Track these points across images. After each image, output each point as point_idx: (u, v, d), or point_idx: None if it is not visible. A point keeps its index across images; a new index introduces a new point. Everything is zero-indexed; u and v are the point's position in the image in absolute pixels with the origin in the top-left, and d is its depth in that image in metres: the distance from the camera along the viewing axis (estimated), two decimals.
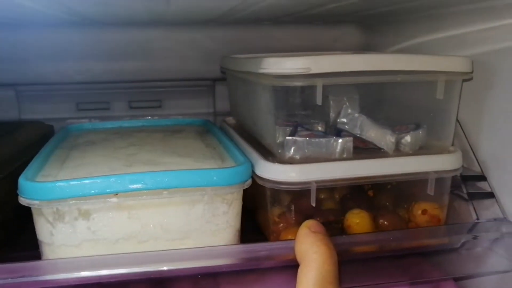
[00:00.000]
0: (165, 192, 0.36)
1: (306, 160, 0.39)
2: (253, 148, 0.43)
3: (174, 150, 0.44)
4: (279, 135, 0.40)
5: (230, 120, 0.59)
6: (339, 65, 0.37)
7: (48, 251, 0.37)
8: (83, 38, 0.68)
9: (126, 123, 0.59)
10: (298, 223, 0.40)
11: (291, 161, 0.39)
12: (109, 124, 0.58)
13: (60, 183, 0.34)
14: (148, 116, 0.74)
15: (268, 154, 0.42)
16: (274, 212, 0.41)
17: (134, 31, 0.69)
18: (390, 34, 0.64)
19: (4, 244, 0.43)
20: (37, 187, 0.34)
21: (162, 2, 0.42)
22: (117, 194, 0.35)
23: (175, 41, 0.69)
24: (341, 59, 0.37)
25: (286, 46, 0.68)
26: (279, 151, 0.40)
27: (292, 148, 0.39)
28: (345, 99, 0.46)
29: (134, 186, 0.35)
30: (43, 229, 0.36)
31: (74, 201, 0.34)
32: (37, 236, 0.37)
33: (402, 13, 0.56)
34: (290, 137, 0.39)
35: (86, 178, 0.35)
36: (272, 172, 0.38)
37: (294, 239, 0.33)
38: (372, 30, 0.69)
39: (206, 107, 0.74)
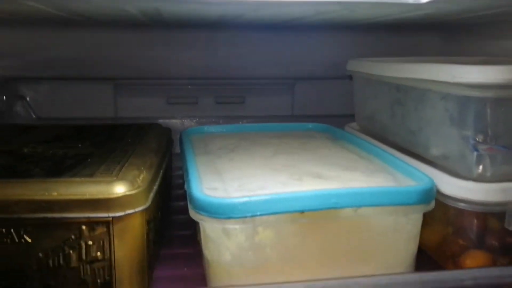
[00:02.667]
0: (353, 211, 0.32)
1: (497, 177, 0.35)
2: (424, 163, 0.39)
3: (332, 162, 0.40)
4: (463, 149, 0.36)
5: (354, 125, 0.55)
6: None
7: (223, 273, 0.33)
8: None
9: (242, 127, 0.56)
10: (482, 246, 0.36)
11: (480, 179, 0.35)
12: (225, 128, 0.55)
13: (247, 200, 0.31)
14: (231, 112, 0.76)
15: (438, 169, 0.38)
16: (454, 233, 0.37)
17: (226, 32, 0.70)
18: (469, 41, 0.65)
19: (155, 258, 0.39)
20: (222, 204, 0.31)
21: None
22: (303, 212, 0.32)
23: (262, 40, 0.71)
24: None
25: (374, 51, 0.68)
26: (463, 166, 0.36)
27: (483, 164, 0.35)
28: None
29: (324, 203, 0.32)
30: (220, 249, 0.32)
31: (260, 219, 0.31)
32: (208, 255, 0.34)
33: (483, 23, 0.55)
34: (480, 152, 0.35)
35: (274, 194, 0.31)
36: (465, 191, 0.34)
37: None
38: (450, 37, 0.70)
39: (285, 104, 0.76)
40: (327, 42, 0.73)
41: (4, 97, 0.70)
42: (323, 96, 0.76)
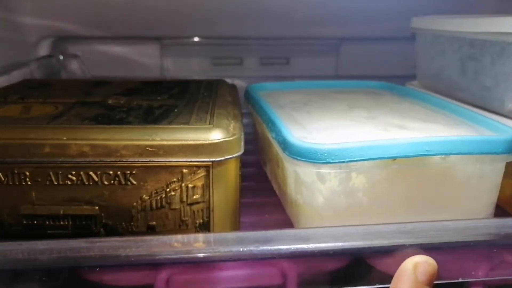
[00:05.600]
0: (442, 158, 0.33)
1: None
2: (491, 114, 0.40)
3: (409, 115, 0.41)
4: None
5: (416, 84, 0.56)
6: None
7: (314, 217, 0.35)
8: None
9: (303, 84, 0.57)
10: None
11: None
12: (287, 85, 0.56)
13: (342, 146, 0.32)
14: (275, 72, 0.77)
15: None
16: None
17: None
18: None
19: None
20: (318, 149, 0.32)
21: None
22: (395, 159, 0.33)
23: None
24: None
25: (427, 10, 0.65)
26: None
27: None
28: None
29: (416, 151, 0.33)
30: (313, 193, 0.34)
31: (354, 165, 0.32)
32: (298, 198, 0.35)
33: None
34: None
35: (370, 141, 0.32)
36: None
37: None
38: None
39: (330, 65, 0.77)
40: (375, 1, 0.72)
41: (61, 56, 0.72)
42: (367, 57, 0.75)
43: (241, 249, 0.30)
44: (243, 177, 0.50)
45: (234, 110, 0.41)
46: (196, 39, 0.73)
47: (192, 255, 0.30)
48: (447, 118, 0.41)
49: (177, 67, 0.74)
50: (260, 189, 0.47)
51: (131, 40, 0.72)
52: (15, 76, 0.59)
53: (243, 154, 0.46)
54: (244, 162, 0.49)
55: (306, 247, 0.30)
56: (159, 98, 0.44)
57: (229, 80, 0.73)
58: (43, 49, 0.70)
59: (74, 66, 0.73)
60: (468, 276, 0.34)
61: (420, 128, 0.37)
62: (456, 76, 0.47)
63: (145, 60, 0.73)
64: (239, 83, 0.75)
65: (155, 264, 0.31)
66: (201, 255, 0.30)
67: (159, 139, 0.33)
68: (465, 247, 0.33)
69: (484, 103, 0.44)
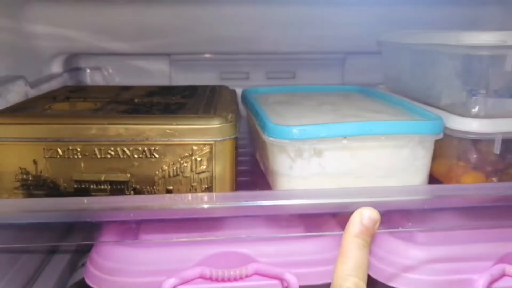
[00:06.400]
0: (382, 137, 0.45)
1: (489, 116, 0.48)
2: (432, 108, 0.52)
3: (365, 108, 0.53)
4: (464, 97, 0.49)
5: (383, 87, 0.68)
6: None
7: (285, 181, 0.47)
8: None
9: (291, 88, 0.69)
10: (477, 168, 0.49)
11: (476, 116, 0.48)
12: (277, 89, 0.68)
13: (305, 127, 0.44)
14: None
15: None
16: (457, 158, 0.50)
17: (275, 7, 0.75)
18: None
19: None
20: (288, 130, 0.44)
21: None
22: (346, 137, 0.45)
23: (315, 15, 0.75)
24: None
25: (431, 25, 0.71)
26: (465, 109, 0.49)
27: (479, 106, 0.48)
28: None
29: (361, 131, 0.45)
30: (285, 163, 0.46)
31: (314, 141, 0.44)
32: (275, 168, 0.47)
33: None
34: (477, 97, 0.48)
35: (326, 124, 0.45)
36: (465, 124, 0.47)
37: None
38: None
39: (335, 78, 0.82)
40: (382, 15, 0.74)
41: (88, 70, 0.85)
42: (373, 68, 0.76)
43: (234, 203, 0.42)
44: (240, 163, 0.62)
45: (232, 106, 0.54)
46: (203, 55, 0.81)
47: (200, 205, 0.42)
48: (394, 110, 0.53)
49: (185, 81, 0.80)
50: (252, 171, 0.59)
51: (142, 56, 0.81)
52: (54, 84, 0.72)
53: (241, 147, 0.58)
54: (241, 153, 0.61)
55: (284, 203, 0.43)
56: (173, 98, 0.57)
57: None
58: (57, 63, 0.78)
59: (98, 77, 0.86)
60: (407, 227, 0.46)
61: (370, 116, 0.49)
62: (408, 79, 0.60)
63: (155, 75, 0.82)
64: None
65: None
66: (206, 206, 0.42)
67: (175, 124, 0.45)
68: (404, 205, 0.45)
69: (428, 100, 0.55)
